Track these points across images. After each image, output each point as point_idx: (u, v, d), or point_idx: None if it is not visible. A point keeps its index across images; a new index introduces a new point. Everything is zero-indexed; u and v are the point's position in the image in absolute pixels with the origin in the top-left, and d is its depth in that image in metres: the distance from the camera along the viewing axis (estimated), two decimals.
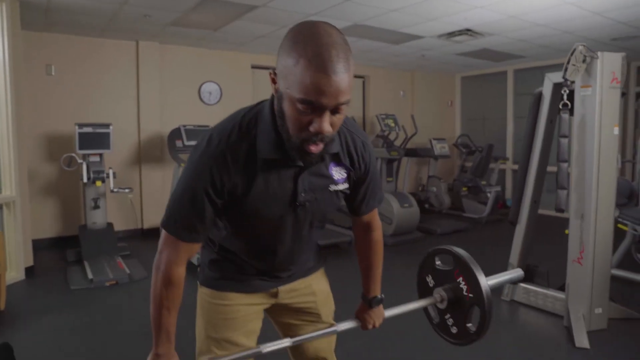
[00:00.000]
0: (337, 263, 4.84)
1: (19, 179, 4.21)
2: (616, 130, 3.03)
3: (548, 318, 3.35)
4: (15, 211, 4.18)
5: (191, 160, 1.16)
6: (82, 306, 3.65)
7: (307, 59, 0.97)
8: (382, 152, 6.58)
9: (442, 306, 1.63)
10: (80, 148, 4.69)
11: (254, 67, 6.84)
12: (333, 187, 1.26)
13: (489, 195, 6.75)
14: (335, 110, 1.03)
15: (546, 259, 3.88)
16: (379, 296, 1.54)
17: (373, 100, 7.99)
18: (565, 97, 2.92)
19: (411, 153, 7.02)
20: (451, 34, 5.55)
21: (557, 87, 3.21)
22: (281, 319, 1.53)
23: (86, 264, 4.47)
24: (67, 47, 5.35)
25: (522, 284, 3.62)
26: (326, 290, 1.57)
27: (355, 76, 7.65)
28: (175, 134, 5.33)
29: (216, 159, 1.12)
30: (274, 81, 1.08)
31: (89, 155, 4.76)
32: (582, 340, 2.91)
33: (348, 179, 1.29)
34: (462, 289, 1.55)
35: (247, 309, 1.40)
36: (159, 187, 5.93)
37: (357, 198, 1.36)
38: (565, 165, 2.95)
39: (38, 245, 5.18)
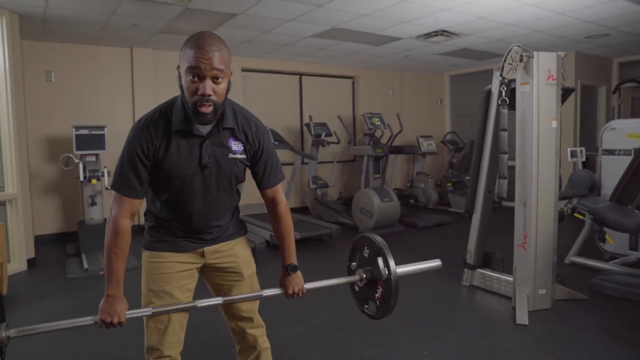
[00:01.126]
0: (319, 253, 5.15)
1: (20, 178, 4.58)
2: (554, 124, 3.27)
3: (500, 300, 3.61)
4: (17, 207, 4.56)
5: (128, 136, 1.57)
6: (77, 292, 4.00)
7: (191, 44, 1.46)
8: (367, 149, 6.85)
9: (360, 284, 1.94)
10: (77, 149, 5.05)
11: (244, 70, 7.17)
12: (231, 155, 1.63)
13: None
14: (215, 78, 1.46)
15: (506, 246, 4.12)
16: (294, 263, 1.81)
17: (362, 100, 8.27)
18: (503, 93, 3.18)
19: (397, 150, 7.26)
20: (428, 35, 5.81)
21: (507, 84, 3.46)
22: (212, 280, 1.84)
23: (83, 256, 4.83)
24: (66, 55, 5.74)
25: (479, 270, 3.88)
26: (247, 254, 1.86)
27: (344, 77, 8.01)
28: None
29: (142, 130, 1.54)
30: (178, 69, 1.51)
31: (85, 155, 5.12)
32: (522, 318, 3.17)
33: (245, 152, 1.65)
34: (379, 271, 1.84)
35: (180, 266, 1.71)
36: None
37: (260, 172, 1.71)
38: (505, 156, 3.21)
39: (41, 240, 5.57)
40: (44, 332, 1.61)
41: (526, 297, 3.32)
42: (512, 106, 3.35)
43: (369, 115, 7.11)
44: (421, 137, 7.71)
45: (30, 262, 4.69)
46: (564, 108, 7.02)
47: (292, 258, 1.81)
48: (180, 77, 1.50)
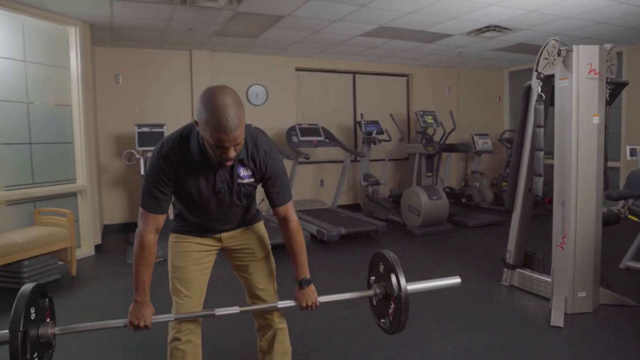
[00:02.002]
0: (364, 249, 5.22)
1: (89, 172, 5.05)
2: (596, 120, 3.14)
3: (538, 301, 3.50)
4: (86, 198, 5.04)
5: (151, 158, 1.73)
6: (132, 276, 4.37)
7: (212, 124, 1.51)
8: (419, 147, 6.82)
9: (376, 299, 2.04)
10: (140, 145, 5.48)
11: (298, 69, 7.37)
12: (239, 181, 1.78)
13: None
14: (235, 145, 1.59)
15: (551, 247, 3.97)
16: (307, 278, 1.93)
17: (417, 98, 8.21)
18: (539, 89, 3.10)
19: (450, 148, 7.16)
20: (479, 31, 5.69)
21: (545, 79, 3.36)
22: (231, 260, 2.05)
23: None
24: (132, 59, 6.23)
25: (519, 270, 3.79)
26: (260, 237, 2.02)
27: (399, 75, 7.99)
28: None
29: (164, 158, 1.69)
30: (197, 124, 1.59)
31: (146, 151, 5.54)
32: (557, 319, 3.07)
33: (253, 176, 1.80)
34: (392, 288, 1.92)
35: (199, 247, 1.93)
36: None
37: (269, 192, 1.84)
38: (540, 153, 3.12)
39: (109, 229, 6.10)
40: (83, 331, 1.88)
41: (564, 299, 3.21)
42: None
43: (422, 113, 7.05)
44: (476, 135, 7.52)
45: (98, 248, 5.16)
46: (629, 104, 6.62)
47: (305, 272, 1.92)
48: (200, 135, 1.60)
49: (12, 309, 1.57)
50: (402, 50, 6.82)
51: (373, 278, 2.08)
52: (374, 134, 6.91)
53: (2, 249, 3.73)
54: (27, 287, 1.66)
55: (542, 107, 3.09)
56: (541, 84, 3.10)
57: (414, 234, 5.83)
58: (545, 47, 3.06)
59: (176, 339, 1.89)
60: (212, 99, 1.52)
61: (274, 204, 1.86)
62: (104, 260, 4.95)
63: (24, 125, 4.53)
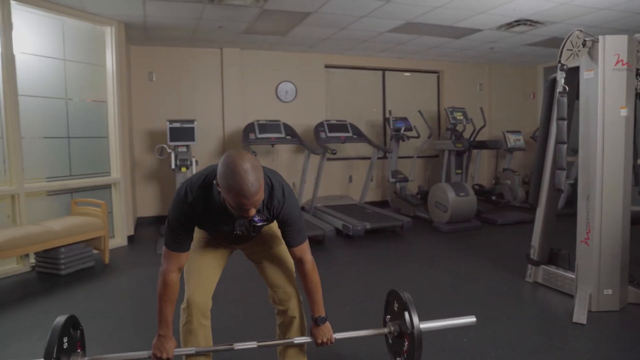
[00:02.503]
0: (389, 244, 5.23)
1: (123, 165, 5.26)
2: (624, 112, 3.05)
3: (563, 298, 3.42)
4: (120, 190, 5.25)
5: (174, 204, 1.81)
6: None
7: (234, 191, 1.59)
8: (447, 144, 6.76)
9: (391, 337, 2.12)
10: (171, 140, 5.66)
11: (327, 66, 7.43)
12: (255, 224, 1.89)
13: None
14: (255, 207, 1.68)
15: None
16: (323, 316, 2.01)
17: (448, 94, 8.12)
18: (562, 81, 3.03)
19: (480, 145, 7.05)
20: (509, 25, 5.58)
21: (570, 71, 3.29)
22: (247, 255, 2.17)
23: None
24: (165, 57, 6.44)
25: (543, 266, 3.72)
26: (272, 231, 2.10)
27: (429, 71, 7.93)
28: (250, 128, 6.11)
29: (189, 206, 1.78)
30: (218, 185, 1.66)
31: (177, 146, 5.71)
32: (579, 316, 3.00)
33: (268, 220, 1.90)
34: (405, 325, 1.99)
35: (216, 243, 2.09)
36: None
37: (286, 234, 1.93)
38: (563, 146, 3.05)
39: (142, 222, 6.33)
40: None
41: (588, 295, 3.13)
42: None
43: (451, 109, 6.98)
44: (508, 132, 7.37)
45: (130, 239, 5.37)
46: None
47: (321, 311, 2.02)
48: (222, 196, 1.68)
49: (47, 339, 1.70)
50: (431, 46, 6.76)
51: (389, 317, 2.17)
52: (402, 131, 6.88)
53: (41, 236, 3.95)
54: (60, 318, 1.80)
55: (565, 99, 3.03)
56: (564, 76, 3.03)
57: (441, 230, 5.78)
58: (568, 37, 3.00)
59: (188, 321, 1.97)
60: (232, 166, 1.59)
61: (289, 245, 1.95)
62: (135, 250, 5.15)
63: (62, 120, 4.78)
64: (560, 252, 3.68)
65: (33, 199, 4.46)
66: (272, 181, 1.85)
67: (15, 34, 4.20)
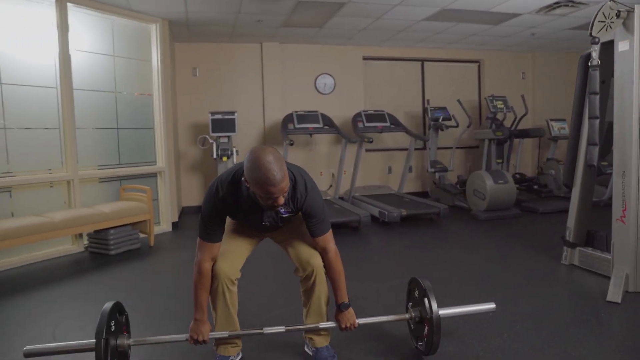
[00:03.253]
0: (426, 230, 5.24)
1: (167, 155, 5.55)
2: None
3: (598, 279, 3.34)
4: (165, 179, 5.54)
5: (206, 198, 1.99)
6: None
7: (262, 182, 1.73)
8: (487, 133, 6.66)
9: (413, 323, 2.24)
10: (213, 131, 5.91)
11: (365, 58, 7.48)
12: (281, 216, 2.06)
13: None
14: (283, 194, 1.82)
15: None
16: (346, 302, 2.12)
17: (489, 83, 7.97)
18: (594, 54, 2.97)
19: (522, 134, 6.89)
20: (549, 7, 5.43)
21: (605, 46, 3.21)
22: (272, 237, 2.29)
23: None
24: (207, 53, 6.71)
25: (579, 248, 3.63)
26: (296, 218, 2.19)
27: (469, 61, 7.82)
28: (288, 118, 6.27)
29: (220, 200, 1.96)
30: (247, 182, 1.82)
31: (219, 137, 5.96)
32: (614, 295, 2.93)
33: (293, 212, 2.05)
34: (425, 311, 2.10)
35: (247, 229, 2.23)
36: None
37: (310, 224, 2.06)
38: (596, 121, 2.99)
39: (187, 211, 6.63)
40: (152, 343, 2.18)
41: (624, 275, 3.04)
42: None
43: (491, 97, 6.86)
44: (552, 120, 7.15)
45: (174, 225, 5.65)
46: None
47: (344, 297, 2.13)
48: (251, 190, 1.83)
49: (97, 322, 1.90)
50: (470, 34, 6.68)
51: (410, 304, 2.28)
52: (440, 120, 6.84)
53: (93, 217, 4.27)
54: (108, 304, 1.99)
55: (597, 73, 2.97)
56: (595, 49, 2.96)
57: (479, 218, 5.71)
58: (600, 9, 2.93)
59: (217, 286, 2.08)
60: (257, 160, 1.74)
61: (313, 234, 2.08)
62: (179, 236, 5.42)
63: (112, 112, 5.11)
64: (597, 233, 3.58)
65: (86, 185, 4.80)
66: (295, 175, 1.98)
67: (71, 33, 4.55)
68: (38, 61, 4.39)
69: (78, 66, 4.69)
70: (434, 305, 2.06)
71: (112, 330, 1.95)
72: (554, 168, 7.10)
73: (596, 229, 3.62)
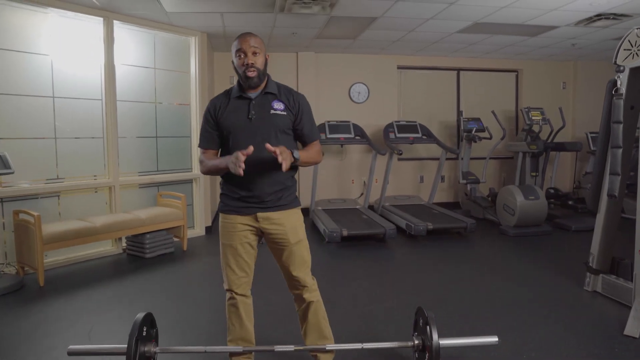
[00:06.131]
0: (452, 245, 5.26)
1: None
2: None
3: (620, 309, 3.28)
4: (199, 185, 5.80)
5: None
6: None
7: (236, 40, 2.16)
8: (522, 145, 6.57)
9: (417, 351, 2.34)
10: None
11: (400, 67, 7.51)
12: (272, 112, 2.17)
13: None
14: (253, 54, 2.10)
15: None
16: (298, 153, 2.10)
17: (527, 93, 7.83)
18: (619, 82, 2.94)
19: (558, 147, 6.73)
20: (589, 20, 5.31)
21: (634, 71, 3.16)
22: (269, 244, 2.31)
23: None
24: None
25: (602, 275, 3.58)
26: (294, 224, 2.24)
27: (507, 70, 7.72)
28: (321, 128, 6.40)
29: (210, 103, 2.27)
30: (232, 63, 2.17)
31: None
32: (632, 329, 2.90)
33: (286, 110, 2.19)
34: (428, 339, 2.20)
35: (242, 227, 2.22)
36: (310, 173, 7.06)
37: (301, 129, 2.23)
38: (618, 151, 2.96)
39: None
40: (178, 352, 2.42)
41: None
42: None
43: (527, 109, 6.75)
44: (592, 133, 6.95)
45: (207, 229, 5.91)
46: None
47: (300, 152, 2.13)
48: (234, 65, 2.15)
49: (130, 330, 2.13)
50: (506, 44, 6.59)
51: (415, 333, 2.39)
52: (473, 132, 6.79)
53: (131, 222, 4.56)
54: (140, 314, 2.21)
55: (621, 102, 2.94)
56: (620, 77, 2.93)
57: (507, 234, 5.66)
58: (626, 37, 2.89)
59: (231, 298, 2.27)
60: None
61: (308, 139, 2.25)
62: (211, 240, 5.66)
63: (152, 121, 5.41)
64: (622, 261, 3.52)
65: (127, 190, 5.11)
66: (288, 87, 2.28)
67: (116, 48, 4.85)
68: (86, 75, 4.72)
69: (122, 79, 5.00)
70: (435, 336, 2.14)
71: (143, 336, 2.18)
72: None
73: (621, 257, 3.55)
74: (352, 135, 6.44)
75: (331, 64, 7.22)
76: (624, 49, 2.91)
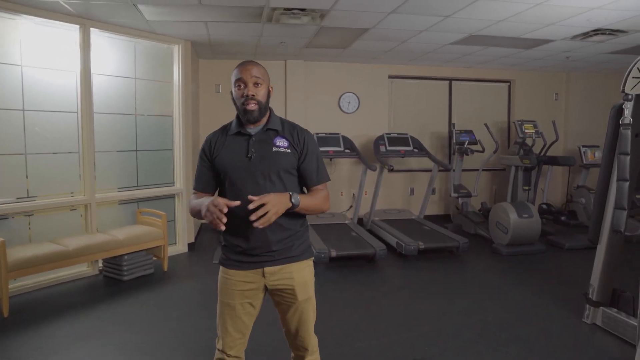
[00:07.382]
0: (443, 266, 5.08)
1: (186, 176, 5.55)
2: None
3: (621, 346, 3.14)
4: (182, 200, 5.55)
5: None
6: (214, 276, 4.73)
7: (236, 68, 1.89)
8: (514, 159, 6.43)
9: None
10: None
11: (391, 77, 7.32)
12: (275, 149, 1.89)
13: None
14: (255, 84, 1.85)
15: None
16: (297, 200, 1.80)
17: (520, 104, 7.70)
18: (626, 112, 2.77)
19: (551, 161, 6.61)
20: (585, 35, 5.17)
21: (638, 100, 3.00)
22: (273, 298, 2.01)
23: None
24: (231, 70, 6.56)
25: (603, 308, 3.42)
26: (305, 279, 1.96)
27: (499, 81, 7.56)
28: None
29: (206, 141, 2.01)
30: (231, 93, 1.92)
31: None
32: None
33: (290, 147, 1.91)
34: None
35: (243, 285, 1.94)
36: None
37: (307, 171, 1.93)
38: (625, 184, 2.80)
39: (205, 227, 6.63)
40: None
41: None
42: None
43: (520, 122, 6.61)
44: (584, 146, 6.84)
45: (190, 246, 5.66)
46: None
47: (302, 198, 1.85)
48: (233, 97, 1.91)
49: None
50: (500, 56, 6.44)
51: None
52: (466, 144, 6.63)
53: (107, 244, 4.30)
54: None
55: (628, 132, 2.77)
56: (628, 107, 2.76)
57: (500, 252, 5.51)
58: (634, 65, 2.73)
59: (222, 358, 1.97)
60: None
61: (308, 183, 1.94)
62: (194, 257, 5.41)
63: (132, 134, 5.14)
64: (623, 294, 3.37)
65: (105, 208, 4.84)
66: (295, 123, 2.02)
67: (93, 57, 4.58)
68: (62, 85, 4.44)
69: (100, 90, 4.73)
70: None
71: None
72: (585, 196, 6.79)
73: (622, 289, 3.40)
74: (341, 149, 6.23)
75: (321, 73, 7.01)
76: (633, 77, 2.74)
